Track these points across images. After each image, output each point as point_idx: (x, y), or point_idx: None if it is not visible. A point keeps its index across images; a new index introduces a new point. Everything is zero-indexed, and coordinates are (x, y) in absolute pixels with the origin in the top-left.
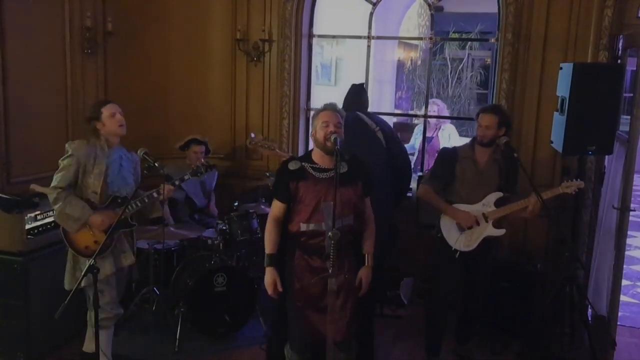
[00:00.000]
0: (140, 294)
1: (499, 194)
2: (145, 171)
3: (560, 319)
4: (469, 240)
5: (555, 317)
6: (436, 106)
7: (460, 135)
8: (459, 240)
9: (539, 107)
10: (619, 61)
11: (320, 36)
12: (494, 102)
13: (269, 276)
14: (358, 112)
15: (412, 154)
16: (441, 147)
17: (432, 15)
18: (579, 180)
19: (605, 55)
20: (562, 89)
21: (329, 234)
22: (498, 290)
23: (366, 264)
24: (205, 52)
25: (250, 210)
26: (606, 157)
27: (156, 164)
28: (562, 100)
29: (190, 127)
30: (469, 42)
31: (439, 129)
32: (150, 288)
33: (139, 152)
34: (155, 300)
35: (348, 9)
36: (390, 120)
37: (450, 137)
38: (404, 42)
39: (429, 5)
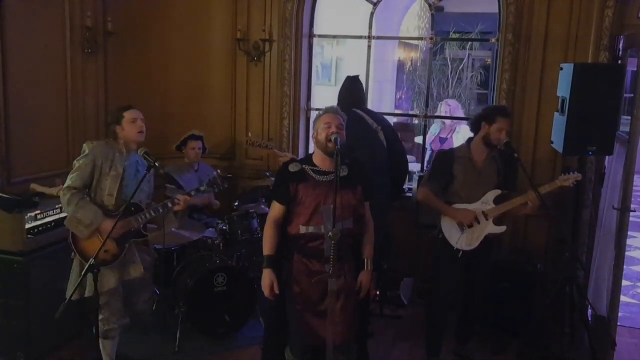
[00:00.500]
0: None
1: (498, 192)
2: (145, 171)
3: (560, 319)
4: (470, 239)
5: (555, 317)
6: (448, 106)
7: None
8: (460, 240)
9: (539, 107)
10: (619, 61)
11: (320, 36)
12: (494, 103)
13: (266, 278)
14: (358, 111)
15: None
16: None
17: (432, 15)
18: (576, 172)
19: (606, 56)
20: (563, 89)
21: (329, 234)
22: (498, 290)
23: (366, 268)
24: (205, 52)
25: (250, 210)
26: (606, 157)
27: (156, 164)
28: (563, 101)
29: (190, 127)
30: (469, 42)
31: (454, 131)
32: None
33: (139, 151)
34: (155, 300)
35: (348, 8)
36: (390, 120)
37: (465, 139)
38: (404, 42)
39: (429, 5)
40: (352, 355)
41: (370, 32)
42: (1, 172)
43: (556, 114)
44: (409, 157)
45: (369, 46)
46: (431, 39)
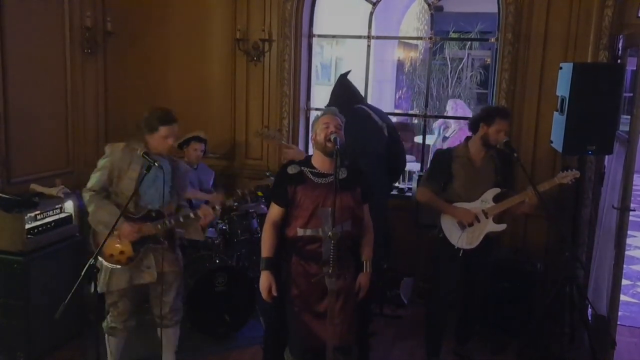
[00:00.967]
0: None
1: (497, 190)
2: (145, 171)
3: (560, 319)
4: (471, 238)
5: (555, 317)
6: (455, 104)
7: None
8: (461, 239)
9: (539, 107)
10: (619, 61)
11: (320, 36)
12: (494, 102)
13: (264, 280)
14: (364, 107)
15: None
16: None
17: (432, 15)
18: (574, 170)
19: (606, 55)
20: (562, 88)
21: (329, 233)
22: (498, 290)
23: (365, 271)
24: (205, 51)
25: (250, 210)
26: (606, 157)
27: (156, 164)
28: (562, 100)
29: (190, 127)
30: (469, 42)
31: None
32: None
33: (139, 151)
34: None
35: (348, 8)
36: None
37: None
38: (404, 42)
39: (429, 5)
40: (353, 356)
41: (369, 32)
42: (1, 172)
43: (556, 114)
44: (408, 157)
45: (369, 46)
46: (431, 38)
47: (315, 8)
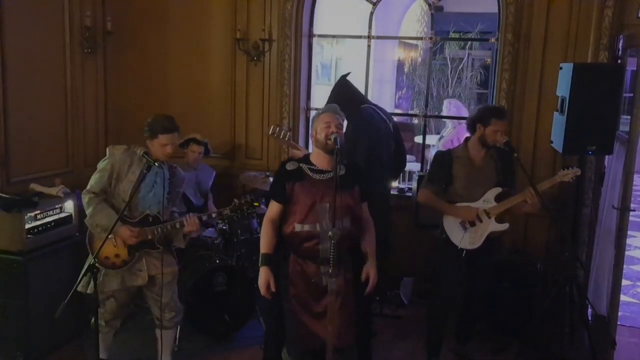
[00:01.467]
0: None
1: (498, 190)
2: (145, 171)
3: (560, 319)
4: (473, 238)
5: (555, 317)
6: (449, 103)
7: None
8: (464, 239)
9: (539, 107)
10: (619, 61)
11: (320, 36)
12: (494, 102)
13: (263, 276)
14: (373, 107)
15: None
16: None
17: (432, 15)
18: (575, 167)
19: (606, 55)
20: (562, 89)
21: (329, 233)
22: (498, 290)
23: (370, 263)
24: (205, 51)
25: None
26: (606, 157)
27: (156, 164)
28: (562, 100)
29: (190, 127)
30: (469, 42)
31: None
32: None
33: (138, 152)
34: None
35: (348, 8)
36: None
37: None
38: (404, 42)
39: (429, 5)
40: (353, 356)
41: (370, 32)
42: (1, 172)
43: (556, 114)
44: (408, 157)
45: (369, 46)
46: (431, 38)
47: (315, 8)
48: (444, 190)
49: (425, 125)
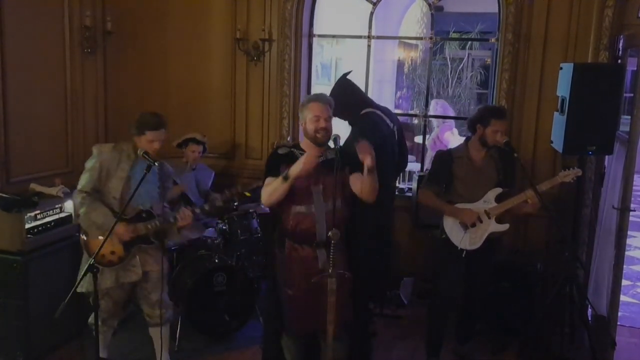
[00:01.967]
0: None
1: (499, 190)
2: (145, 171)
3: (560, 319)
4: (473, 239)
5: (555, 317)
6: (435, 104)
7: (460, 134)
8: (464, 239)
9: (539, 107)
10: (619, 61)
11: (320, 36)
12: (494, 102)
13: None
14: (378, 112)
15: None
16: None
17: (432, 15)
18: (576, 168)
19: (606, 56)
20: (562, 89)
21: (329, 233)
22: (498, 290)
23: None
24: (205, 51)
25: (250, 210)
26: (606, 157)
27: (155, 164)
28: (562, 100)
29: (190, 127)
30: (469, 42)
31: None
32: None
33: (138, 151)
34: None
35: (348, 8)
36: None
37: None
38: (404, 42)
39: (429, 5)
40: (345, 343)
41: (370, 31)
42: (1, 172)
43: (556, 114)
44: (409, 157)
45: (369, 46)
46: (431, 38)
47: (315, 8)
48: (444, 190)
49: (425, 126)
